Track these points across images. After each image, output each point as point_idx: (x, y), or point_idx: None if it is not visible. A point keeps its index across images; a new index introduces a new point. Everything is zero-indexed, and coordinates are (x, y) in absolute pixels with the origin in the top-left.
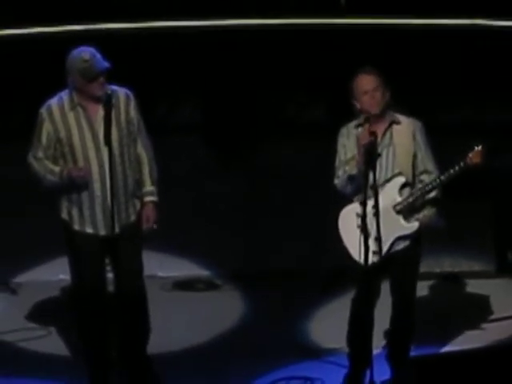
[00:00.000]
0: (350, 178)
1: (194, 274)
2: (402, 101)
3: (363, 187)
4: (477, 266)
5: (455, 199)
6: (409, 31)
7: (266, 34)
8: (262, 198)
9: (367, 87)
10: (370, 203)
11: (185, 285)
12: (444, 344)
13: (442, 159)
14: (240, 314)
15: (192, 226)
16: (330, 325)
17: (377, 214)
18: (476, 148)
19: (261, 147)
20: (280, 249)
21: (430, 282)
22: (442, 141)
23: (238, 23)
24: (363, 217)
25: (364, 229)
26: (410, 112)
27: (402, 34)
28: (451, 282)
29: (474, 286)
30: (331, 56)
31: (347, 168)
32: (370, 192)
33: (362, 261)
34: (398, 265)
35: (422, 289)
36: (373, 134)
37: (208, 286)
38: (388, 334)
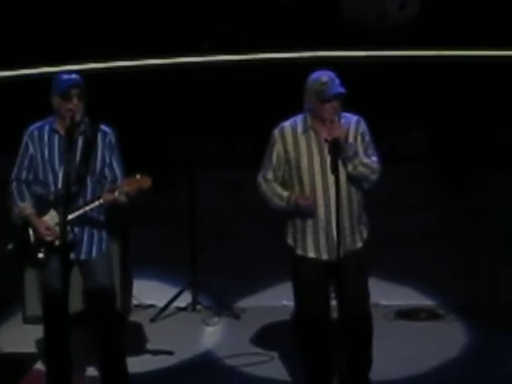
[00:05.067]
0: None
1: (417, 303)
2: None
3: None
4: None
5: None
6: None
7: None
8: (487, 230)
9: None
10: None
11: (407, 314)
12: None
13: None
14: (460, 345)
15: (418, 254)
16: None
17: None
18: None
19: (487, 178)
20: (505, 284)
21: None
22: None
23: None
24: None
25: None
26: None
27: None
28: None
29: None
30: None
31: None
32: None
33: None
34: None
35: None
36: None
37: (430, 315)
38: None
